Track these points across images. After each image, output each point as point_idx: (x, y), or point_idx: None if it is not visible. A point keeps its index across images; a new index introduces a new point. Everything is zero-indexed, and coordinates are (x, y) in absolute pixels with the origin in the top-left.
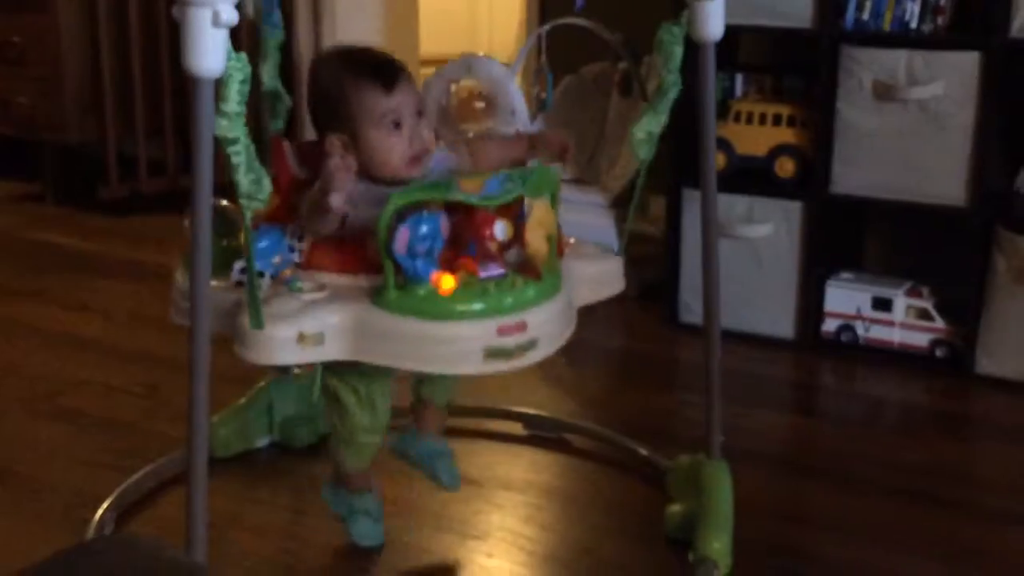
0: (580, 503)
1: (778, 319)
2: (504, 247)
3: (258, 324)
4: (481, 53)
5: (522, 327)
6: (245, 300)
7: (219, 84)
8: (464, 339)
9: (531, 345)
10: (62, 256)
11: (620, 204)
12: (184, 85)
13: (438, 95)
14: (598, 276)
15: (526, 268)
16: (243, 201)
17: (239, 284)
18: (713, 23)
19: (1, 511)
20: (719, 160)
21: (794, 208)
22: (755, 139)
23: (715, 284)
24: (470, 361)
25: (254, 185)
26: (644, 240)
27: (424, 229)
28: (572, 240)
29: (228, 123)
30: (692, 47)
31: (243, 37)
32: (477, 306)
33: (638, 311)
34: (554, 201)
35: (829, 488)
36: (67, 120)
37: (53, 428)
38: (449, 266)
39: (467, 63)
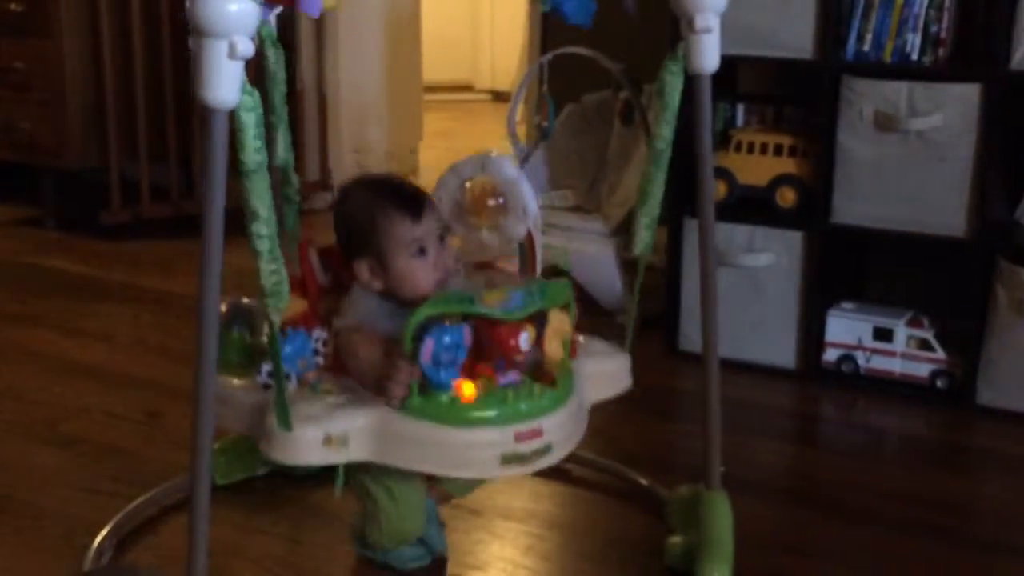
0: (580, 533)
1: (779, 349)
2: (525, 356)
3: (286, 426)
4: (494, 151)
5: (538, 433)
6: (271, 401)
7: (234, 132)
8: (483, 445)
9: (546, 450)
10: (62, 281)
11: (620, 232)
12: (187, 111)
13: (453, 191)
14: (607, 374)
15: (541, 375)
16: (268, 300)
17: (266, 387)
18: (709, 56)
19: (1, 538)
20: (720, 189)
21: (795, 238)
22: (756, 169)
23: (713, 314)
24: (488, 466)
25: (276, 283)
26: (648, 270)
27: (448, 340)
28: (582, 339)
29: (253, 186)
30: (690, 78)
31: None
32: (495, 413)
33: (639, 341)
34: (568, 309)
35: (830, 519)
36: (69, 145)
37: (53, 455)
38: (469, 374)
39: (481, 161)
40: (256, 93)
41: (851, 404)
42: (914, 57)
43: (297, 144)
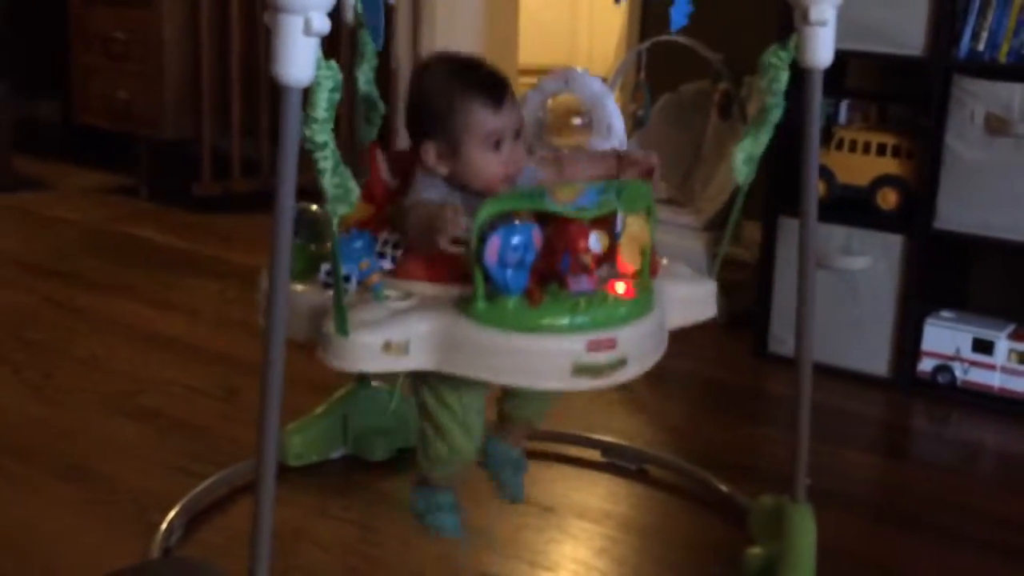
0: (657, 538)
1: (872, 356)
2: (598, 261)
3: (344, 330)
4: (580, 68)
5: (612, 344)
6: (331, 305)
7: (309, 90)
8: (552, 353)
9: (620, 363)
10: (152, 251)
11: (713, 227)
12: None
13: (535, 109)
14: (690, 299)
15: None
16: (330, 206)
17: (325, 286)
18: (823, 49)
19: (74, 509)
20: (819, 188)
21: (895, 241)
22: (857, 168)
23: (810, 319)
24: (557, 376)
25: (340, 189)
26: (736, 266)
27: (516, 239)
28: (665, 261)
29: (317, 127)
30: (798, 73)
31: (343, 43)
32: (566, 320)
33: (726, 339)
34: (649, 216)
35: (920, 539)
36: (164, 116)
37: (131, 427)
38: (540, 278)
39: (565, 77)
40: (334, 66)
41: (945, 418)
42: None
43: (389, 124)
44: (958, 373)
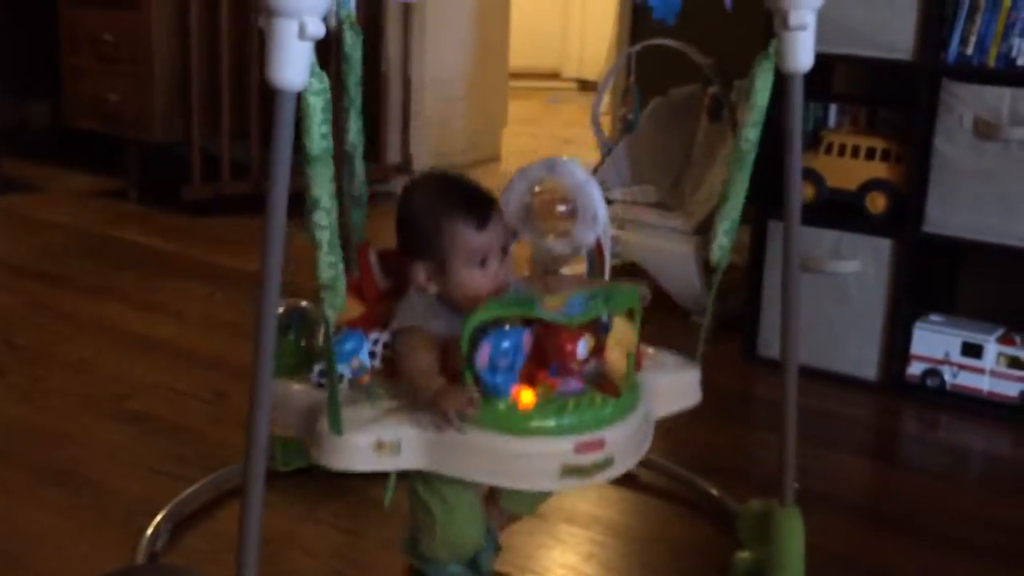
0: (644, 543)
1: (861, 359)
2: (584, 363)
3: (337, 430)
4: (566, 156)
5: (600, 445)
6: (323, 403)
7: (299, 118)
8: (541, 456)
9: (607, 463)
10: (140, 254)
11: (702, 231)
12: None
13: (521, 194)
14: (676, 388)
15: (604, 384)
16: (323, 295)
17: (319, 386)
18: (803, 54)
19: (60, 514)
20: (808, 192)
21: (884, 245)
22: (846, 172)
23: (795, 324)
24: (546, 478)
25: (332, 272)
26: (727, 269)
27: (506, 344)
28: (651, 351)
29: (317, 174)
30: (781, 77)
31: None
32: (555, 423)
33: (716, 342)
34: (634, 317)
35: (908, 542)
36: (154, 118)
37: (118, 431)
38: (529, 381)
39: (550, 164)
40: (325, 77)
41: (934, 421)
42: (1020, 62)
43: (379, 127)
44: (947, 377)
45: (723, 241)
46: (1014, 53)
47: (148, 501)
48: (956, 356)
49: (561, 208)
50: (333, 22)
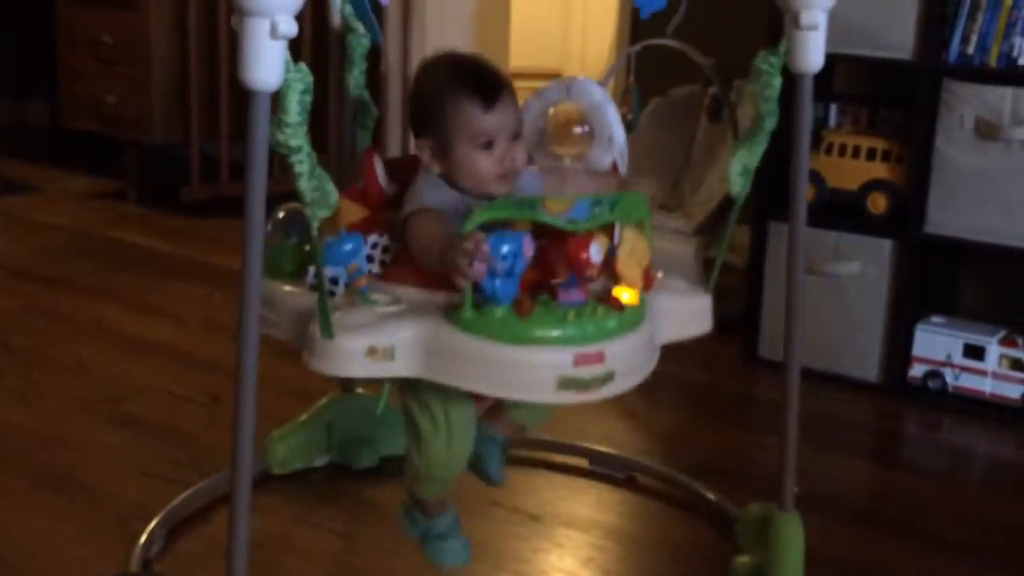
0: (643, 547)
1: (862, 361)
2: (600, 269)
3: (328, 334)
4: (581, 76)
5: (600, 358)
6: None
7: (279, 94)
8: (538, 366)
9: (608, 378)
10: (139, 256)
11: (702, 232)
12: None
13: (536, 117)
14: (684, 312)
15: (608, 297)
16: (309, 210)
17: (312, 288)
18: (814, 54)
19: (55, 518)
20: (808, 192)
21: (884, 246)
22: (847, 172)
23: (798, 328)
24: (542, 389)
25: (317, 192)
26: (726, 270)
27: (505, 248)
28: (661, 274)
29: (290, 131)
30: (788, 77)
31: (332, 44)
32: (554, 332)
33: (716, 344)
34: (645, 228)
35: (909, 545)
36: (153, 119)
37: (114, 434)
38: (531, 288)
39: (567, 85)
40: (304, 68)
41: (936, 423)
42: (1022, 62)
43: (378, 128)
44: (949, 379)
45: (737, 181)
46: (1015, 52)
47: (143, 505)
48: (958, 358)
49: (576, 130)
50: (338, 20)
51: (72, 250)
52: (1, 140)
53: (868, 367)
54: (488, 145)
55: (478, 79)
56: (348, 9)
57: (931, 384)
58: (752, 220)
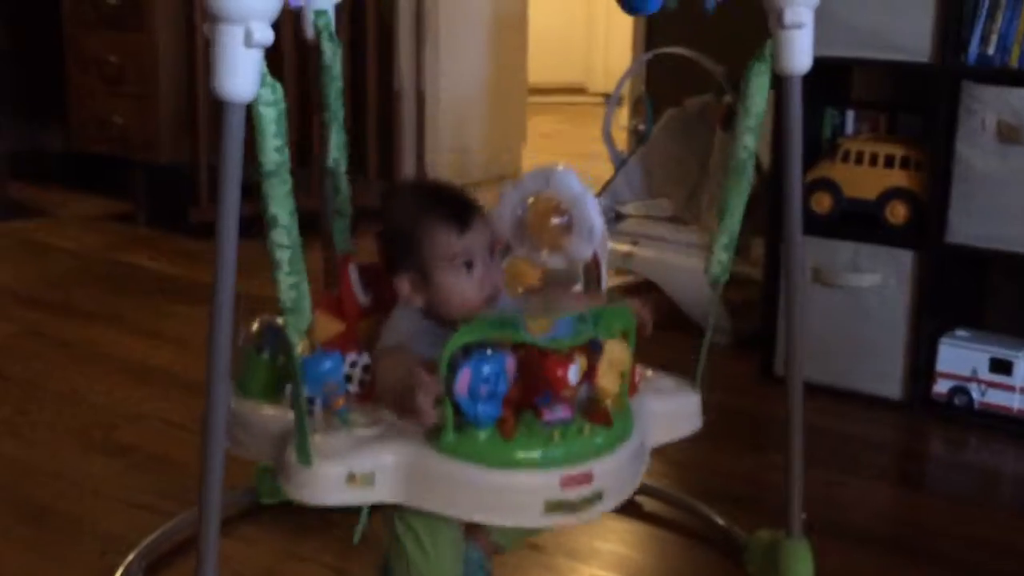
0: None
1: (884, 378)
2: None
3: (305, 460)
4: (562, 166)
5: (588, 478)
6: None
7: (253, 131)
8: (524, 490)
9: (596, 498)
10: (145, 279)
11: None
12: None
13: (514, 207)
14: (674, 414)
15: (595, 412)
16: (287, 319)
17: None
18: (800, 54)
19: (35, 551)
20: (824, 202)
21: (905, 257)
22: (865, 181)
23: (798, 336)
24: (529, 513)
25: (294, 293)
26: (744, 284)
27: (487, 370)
28: (648, 373)
29: (273, 190)
30: (778, 80)
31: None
32: (540, 454)
33: (732, 361)
34: (629, 339)
35: (933, 573)
36: (161, 140)
37: (103, 463)
38: (515, 407)
39: (546, 175)
40: (278, 86)
41: (962, 442)
42: None
43: (393, 145)
44: (975, 395)
45: (722, 256)
46: None
47: (125, 538)
48: (984, 373)
49: (556, 221)
50: (312, 33)
51: (78, 275)
52: (16, 165)
53: (890, 384)
54: (468, 266)
55: (448, 203)
56: (324, 20)
57: (956, 401)
58: (766, 232)
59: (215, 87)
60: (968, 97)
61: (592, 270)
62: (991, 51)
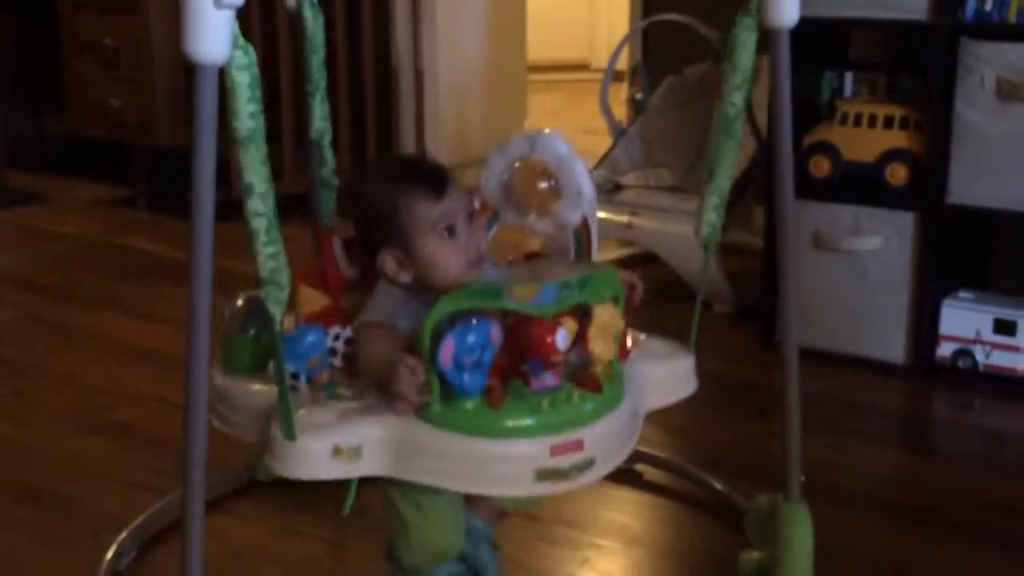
0: (646, 545)
1: (887, 342)
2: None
3: (290, 435)
4: (548, 130)
5: (578, 446)
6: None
7: (225, 97)
8: (513, 459)
9: (587, 465)
10: (145, 263)
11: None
12: (275, 89)
13: (500, 171)
14: (668, 378)
15: (585, 379)
16: (266, 291)
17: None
18: (786, 7)
19: (28, 533)
20: (824, 166)
21: (906, 219)
22: (864, 143)
23: (790, 298)
24: (519, 482)
25: (272, 263)
26: (746, 253)
27: (471, 339)
28: (643, 336)
29: (248, 157)
30: (765, 35)
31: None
32: (528, 422)
33: (734, 330)
34: (619, 303)
35: (940, 537)
36: (158, 123)
37: (98, 444)
38: (502, 375)
39: (531, 140)
40: (251, 49)
41: (967, 405)
42: None
43: (391, 122)
44: (979, 357)
45: (711, 217)
46: None
47: (120, 517)
48: (988, 334)
49: (543, 185)
50: (292, 2)
51: (79, 260)
52: (17, 151)
53: (893, 348)
54: (451, 231)
55: (419, 172)
56: None
57: (961, 363)
58: (765, 199)
59: (185, 49)
60: (966, 54)
61: (583, 234)
62: (988, 7)
